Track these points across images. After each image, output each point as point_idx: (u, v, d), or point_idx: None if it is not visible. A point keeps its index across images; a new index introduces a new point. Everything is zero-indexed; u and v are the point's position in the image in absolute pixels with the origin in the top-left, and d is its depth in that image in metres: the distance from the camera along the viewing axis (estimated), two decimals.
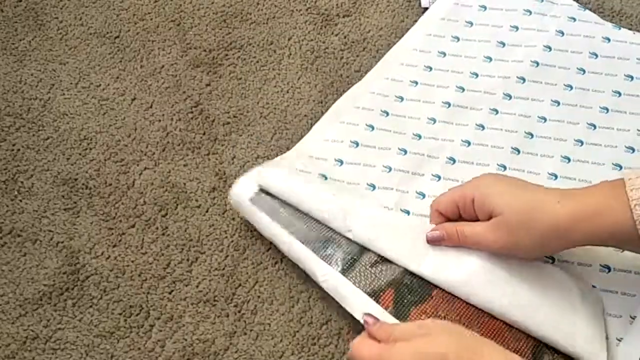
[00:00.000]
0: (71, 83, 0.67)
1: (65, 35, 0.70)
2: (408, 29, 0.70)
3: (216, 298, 0.56)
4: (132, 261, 0.57)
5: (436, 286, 0.52)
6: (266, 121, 0.65)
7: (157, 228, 0.59)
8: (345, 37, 0.70)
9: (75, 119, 0.65)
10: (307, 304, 0.55)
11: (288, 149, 0.63)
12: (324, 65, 0.68)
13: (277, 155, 0.63)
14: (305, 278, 0.55)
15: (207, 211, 0.60)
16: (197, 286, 0.56)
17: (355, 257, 0.54)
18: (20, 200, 0.60)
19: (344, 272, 0.53)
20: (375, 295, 0.52)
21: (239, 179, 0.58)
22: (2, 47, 0.69)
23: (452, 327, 0.46)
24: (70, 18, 0.71)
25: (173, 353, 0.53)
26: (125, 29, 0.71)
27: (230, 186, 0.59)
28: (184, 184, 0.61)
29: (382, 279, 0.53)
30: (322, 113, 0.65)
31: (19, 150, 0.63)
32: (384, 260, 0.54)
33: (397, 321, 0.51)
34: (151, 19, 0.71)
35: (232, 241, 0.58)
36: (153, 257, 0.58)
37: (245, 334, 0.54)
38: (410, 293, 0.52)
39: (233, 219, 0.59)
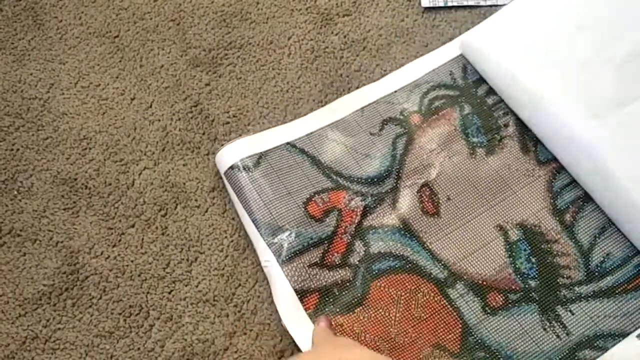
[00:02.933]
0: (70, 83, 0.67)
1: (65, 34, 0.70)
2: (408, 29, 0.70)
3: (216, 298, 0.56)
4: (132, 261, 0.57)
5: (362, 305, 0.54)
6: (266, 121, 0.65)
7: (156, 228, 0.59)
8: (345, 37, 0.70)
9: (75, 119, 0.65)
10: None
11: None
12: (323, 64, 0.68)
13: None
14: None
15: (206, 211, 0.60)
16: (196, 286, 0.56)
17: (297, 252, 0.55)
18: (20, 200, 0.60)
19: (283, 263, 0.55)
20: (302, 294, 0.54)
21: (221, 149, 0.61)
22: (1, 46, 0.69)
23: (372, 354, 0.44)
24: (70, 18, 0.71)
25: (173, 353, 0.53)
26: (125, 29, 0.70)
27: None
28: (184, 183, 0.61)
29: (313, 281, 0.54)
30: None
31: (18, 150, 0.63)
32: (323, 264, 0.55)
33: (311, 324, 0.53)
34: (151, 19, 0.71)
35: (232, 241, 0.58)
36: (153, 257, 0.58)
37: (245, 334, 0.54)
38: (333, 303, 0.54)
39: (233, 218, 0.59)
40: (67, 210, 0.60)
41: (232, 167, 0.59)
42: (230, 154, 0.60)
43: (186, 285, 0.56)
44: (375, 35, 0.70)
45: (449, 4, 0.73)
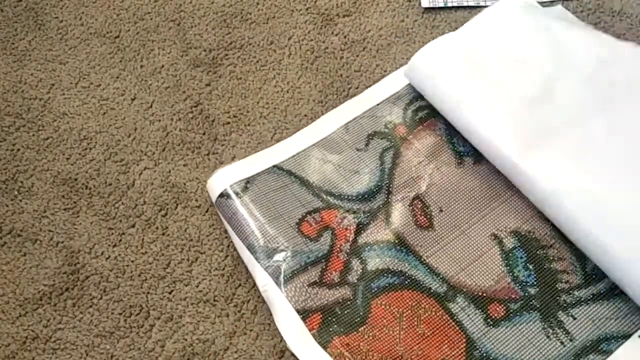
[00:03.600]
0: (71, 83, 0.67)
1: (65, 35, 0.70)
2: (408, 29, 0.70)
3: (216, 298, 0.56)
4: (132, 261, 0.57)
5: (365, 324, 0.53)
6: (266, 121, 0.65)
7: (157, 228, 0.59)
8: (345, 37, 0.70)
9: (75, 119, 0.65)
10: None
11: None
12: (324, 65, 0.68)
13: None
14: None
15: (207, 211, 0.60)
16: (197, 286, 0.56)
17: (295, 272, 0.54)
18: (20, 200, 0.60)
19: (282, 284, 0.54)
20: (304, 314, 0.53)
21: (210, 178, 0.60)
22: (2, 47, 0.69)
23: None
24: (70, 18, 0.71)
25: (173, 353, 0.53)
26: (125, 29, 0.71)
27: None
28: (184, 183, 0.61)
29: (315, 301, 0.53)
30: (322, 113, 0.65)
31: (18, 150, 0.63)
32: (322, 283, 0.54)
33: (317, 345, 0.52)
34: (151, 19, 0.71)
35: (232, 241, 0.58)
36: (153, 257, 0.58)
37: (245, 334, 0.54)
38: (337, 323, 0.53)
39: None
40: (67, 210, 0.60)
41: (221, 195, 0.58)
42: (219, 181, 0.59)
43: (186, 285, 0.56)
44: (375, 36, 0.70)
45: (449, 4, 0.73)
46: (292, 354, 0.53)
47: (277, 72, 0.68)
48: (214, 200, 0.59)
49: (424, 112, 0.64)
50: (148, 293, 0.56)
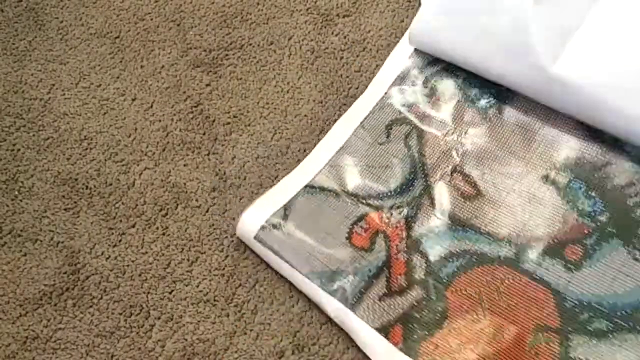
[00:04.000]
0: (71, 83, 0.67)
1: (66, 35, 0.70)
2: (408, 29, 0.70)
3: (216, 298, 0.56)
4: (133, 261, 0.57)
5: (447, 317, 0.51)
6: (266, 121, 0.65)
7: (157, 228, 0.59)
8: (345, 37, 0.70)
9: (76, 119, 0.65)
10: (307, 304, 0.55)
11: (288, 148, 0.63)
12: (324, 65, 0.68)
13: (277, 156, 0.63)
14: None
15: (207, 211, 0.60)
16: (197, 286, 0.56)
17: (362, 290, 0.52)
18: (21, 200, 0.60)
19: (353, 307, 0.52)
20: (384, 331, 0.51)
21: (242, 216, 0.57)
22: (2, 47, 0.69)
23: None
24: (71, 18, 0.71)
25: (173, 353, 0.53)
26: (126, 29, 0.71)
27: (230, 187, 0.59)
28: (184, 184, 0.61)
29: (390, 313, 0.51)
30: (322, 113, 0.65)
31: (19, 150, 0.63)
32: (392, 292, 0.52)
33: (407, 358, 0.49)
34: (151, 19, 0.71)
35: (232, 241, 0.58)
36: (153, 257, 0.58)
37: (245, 333, 0.54)
38: (419, 327, 0.51)
39: (233, 218, 0.59)
40: (67, 210, 0.60)
41: (262, 229, 0.56)
42: (253, 219, 0.57)
43: (187, 285, 0.56)
44: (375, 36, 0.70)
45: None
46: (294, 354, 0.53)
47: (277, 72, 0.68)
48: (251, 237, 0.56)
49: (432, 81, 0.62)
50: (148, 293, 0.56)
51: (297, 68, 0.68)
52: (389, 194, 0.57)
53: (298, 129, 0.65)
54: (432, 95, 0.62)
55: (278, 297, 0.56)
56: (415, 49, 0.65)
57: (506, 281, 0.51)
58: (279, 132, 0.64)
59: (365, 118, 0.62)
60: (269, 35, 0.70)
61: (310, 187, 0.59)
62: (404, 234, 0.55)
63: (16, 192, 0.61)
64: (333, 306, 0.52)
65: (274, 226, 0.56)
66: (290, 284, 0.56)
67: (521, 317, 0.50)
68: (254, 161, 0.63)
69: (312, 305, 0.55)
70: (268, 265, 0.57)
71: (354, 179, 0.59)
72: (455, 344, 0.49)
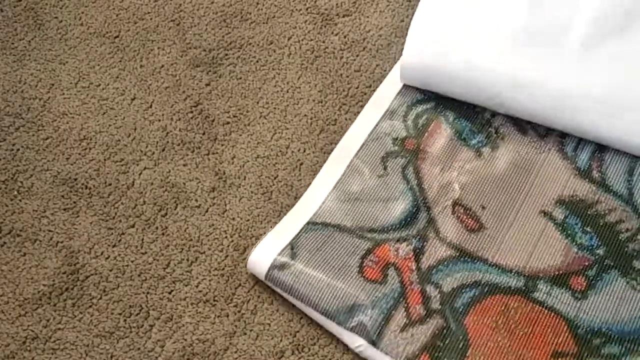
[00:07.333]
0: (71, 83, 0.67)
1: (65, 35, 0.70)
2: (408, 29, 0.70)
3: (216, 298, 0.56)
4: (132, 261, 0.57)
5: (470, 345, 0.51)
6: (266, 121, 0.65)
7: (156, 228, 0.59)
8: (345, 37, 0.70)
9: (75, 119, 0.65)
10: None
11: (288, 148, 0.63)
12: (324, 65, 0.68)
13: (276, 155, 0.63)
14: None
15: (207, 211, 0.60)
16: (197, 286, 0.56)
17: (382, 323, 0.52)
18: (20, 200, 0.60)
19: (375, 343, 0.52)
20: None
21: (249, 257, 0.56)
22: (1, 47, 0.69)
23: None
24: (70, 18, 0.71)
25: (173, 353, 0.53)
26: (125, 29, 0.70)
27: (230, 187, 0.59)
28: (184, 183, 0.61)
29: (414, 344, 0.52)
30: (322, 113, 0.65)
31: (18, 150, 0.63)
32: (412, 321, 0.53)
33: None
34: (151, 19, 0.71)
35: (232, 241, 0.58)
36: (153, 257, 0.58)
37: (245, 334, 0.54)
38: (445, 356, 0.51)
39: (233, 219, 0.59)
40: (67, 210, 0.60)
41: (272, 268, 0.55)
42: (262, 256, 0.56)
43: (186, 285, 0.56)
44: (375, 36, 0.70)
45: None
46: (293, 354, 0.53)
47: (277, 72, 0.68)
48: (262, 276, 0.55)
49: (423, 118, 0.63)
50: (148, 293, 0.56)
51: (297, 68, 0.68)
52: (393, 226, 0.58)
53: (298, 128, 0.64)
54: (423, 131, 0.63)
55: (278, 297, 0.56)
56: (405, 85, 0.66)
57: (520, 310, 0.53)
58: (279, 132, 0.64)
59: (360, 148, 0.62)
60: (269, 35, 0.70)
61: (313, 224, 0.58)
62: (414, 266, 0.55)
63: (15, 192, 0.61)
64: (356, 342, 0.52)
65: (284, 266, 0.55)
66: None
67: (538, 343, 0.51)
68: (253, 161, 0.63)
69: None
70: None
71: (355, 213, 0.59)
72: None
